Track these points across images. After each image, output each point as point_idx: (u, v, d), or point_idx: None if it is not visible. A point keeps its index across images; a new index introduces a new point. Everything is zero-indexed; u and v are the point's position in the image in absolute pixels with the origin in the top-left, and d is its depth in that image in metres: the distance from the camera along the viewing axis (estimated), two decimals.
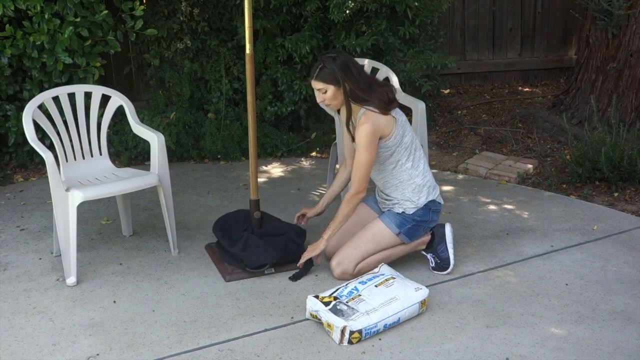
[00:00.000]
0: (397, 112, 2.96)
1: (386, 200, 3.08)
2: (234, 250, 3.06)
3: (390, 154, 2.95)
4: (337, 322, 2.50)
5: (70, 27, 4.12)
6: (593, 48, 5.05)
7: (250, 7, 2.99)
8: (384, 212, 3.08)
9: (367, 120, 2.85)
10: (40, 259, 3.26)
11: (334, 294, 2.67)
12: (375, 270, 2.89)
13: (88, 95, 3.32)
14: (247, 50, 3.02)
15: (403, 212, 3.00)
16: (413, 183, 2.99)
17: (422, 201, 3.00)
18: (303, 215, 3.33)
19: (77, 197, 2.90)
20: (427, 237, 3.10)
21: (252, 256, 3.04)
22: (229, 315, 2.72)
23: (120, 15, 4.53)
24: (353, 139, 3.04)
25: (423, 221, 3.02)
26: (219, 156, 4.85)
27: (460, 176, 4.52)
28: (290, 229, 3.23)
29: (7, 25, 4.11)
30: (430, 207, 3.03)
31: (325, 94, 2.90)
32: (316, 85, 2.91)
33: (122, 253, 3.33)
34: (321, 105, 3.00)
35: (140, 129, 3.28)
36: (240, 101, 5.04)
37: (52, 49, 4.20)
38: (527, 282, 2.98)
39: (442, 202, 3.12)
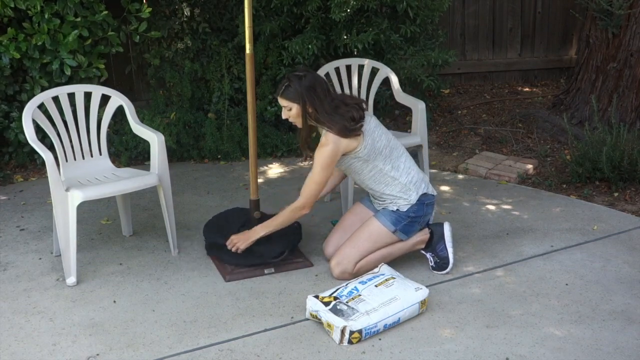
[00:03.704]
0: (365, 121, 2.92)
1: (379, 200, 3.09)
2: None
3: (363, 163, 2.94)
4: (337, 322, 2.50)
5: (75, 31, 4.11)
6: (593, 48, 5.05)
7: (250, 7, 2.98)
8: (379, 210, 3.08)
9: (328, 142, 2.84)
10: (40, 259, 3.26)
11: (334, 294, 2.67)
12: (375, 270, 2.89)
13: (88, 95, 3.32)
14: (247, 50, 3.02)
15: (397, 209, 3.00)
16: (398, 184, 2.98)
17: (414, 197, 2.99)
18: None
19: (77, 197, 2.90)
20: (426, 236, 3.10)
21: (269, 248, 3.05)
22: (229, 315, 2.72)
23: (125, 16, 4.53)
24: (310, 158, 3.05)
25: (418, 217, 3.02)
26: (219, 156, 4.85)
27: (460, 176, 4.52)
28: None
29: (10, 29, 4.11)
30: (424, 202, 3.02)
31: (290, 111, 2.91)
32: (281, 102, 2.92)
33: (122, 253, 3.33)
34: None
35: (140, 129, 3.28)
36: (240, 101, 5.04)
37: (53, 50, 4.20)
38: (527, 282, 2.98)
39: (434, 193, 3.10)
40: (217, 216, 3.36)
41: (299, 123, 2.95)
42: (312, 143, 3.15)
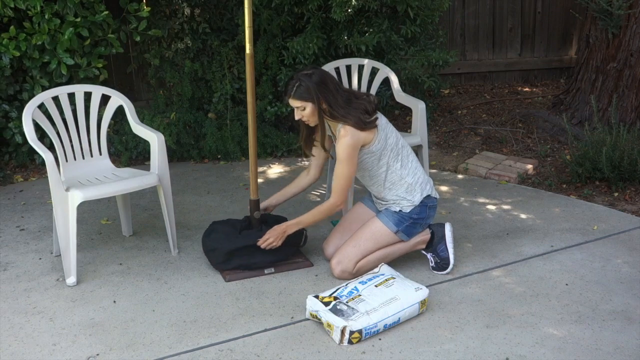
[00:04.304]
0: (378, 115, 2.95)
1: (382, 200, 3.09)
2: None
3: (377, 159, 2.95)
4: (337, 322, 2.50)
5: (71, 28, 4.12)
6: (593, 48, 5.05)
7: (250, 7, 2.98)
8: (380, 211, 3.08)
9: (347, 133, 2.84)
10: (40, 259, 3.26)
11: (334, 294, 2.67)
12: (375, 270, 2.89)
13: (88, 95, 3.32)
14: (247, 50, 3.02)
15: (400, 210, 3.00)
16: (405, 183, 2.99)
17: (418, 199, 3.00)
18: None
19: (77, 197, 2.90)
20: (427, 236, 3.10)
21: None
22: (229, 315, 2.73)
23: (124, 16, 4.53)
24: (330, 155, 3.12)
25: (420, 218, 3.03)
26: (219, 156, 4.85)
27: (460, 176, 4.52)
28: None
29: (12, 27, 4.11)
30: (427, 204, 3.03)
31: (304, 111, 2.89)
32: (294, 103, 2.90)
33: (122, 253, 3.33)
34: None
35: (140, 129, 3.28)
36: (242, 100, 5.04)
37: (52, 49, 4.21)
38: (527, 282, 2.98)
39: (437, 196, 3.11)
40: (215, 228, 3.17)
41: (313, 122, 2.94)
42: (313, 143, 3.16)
